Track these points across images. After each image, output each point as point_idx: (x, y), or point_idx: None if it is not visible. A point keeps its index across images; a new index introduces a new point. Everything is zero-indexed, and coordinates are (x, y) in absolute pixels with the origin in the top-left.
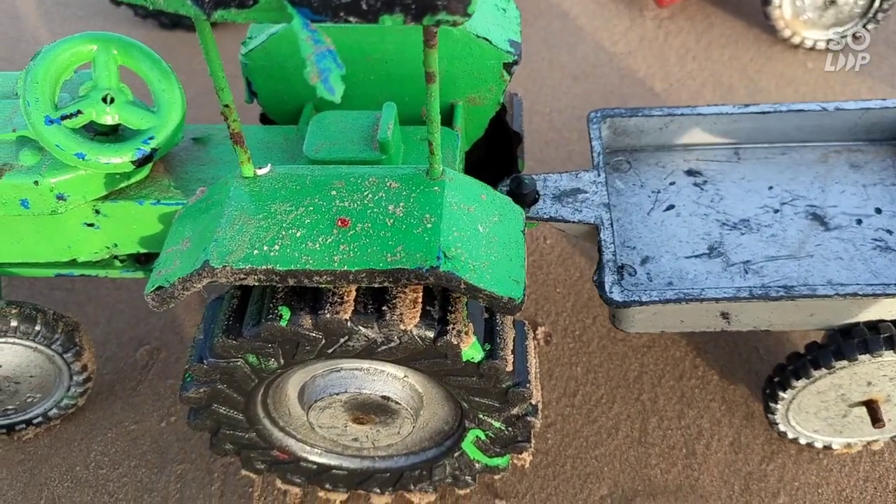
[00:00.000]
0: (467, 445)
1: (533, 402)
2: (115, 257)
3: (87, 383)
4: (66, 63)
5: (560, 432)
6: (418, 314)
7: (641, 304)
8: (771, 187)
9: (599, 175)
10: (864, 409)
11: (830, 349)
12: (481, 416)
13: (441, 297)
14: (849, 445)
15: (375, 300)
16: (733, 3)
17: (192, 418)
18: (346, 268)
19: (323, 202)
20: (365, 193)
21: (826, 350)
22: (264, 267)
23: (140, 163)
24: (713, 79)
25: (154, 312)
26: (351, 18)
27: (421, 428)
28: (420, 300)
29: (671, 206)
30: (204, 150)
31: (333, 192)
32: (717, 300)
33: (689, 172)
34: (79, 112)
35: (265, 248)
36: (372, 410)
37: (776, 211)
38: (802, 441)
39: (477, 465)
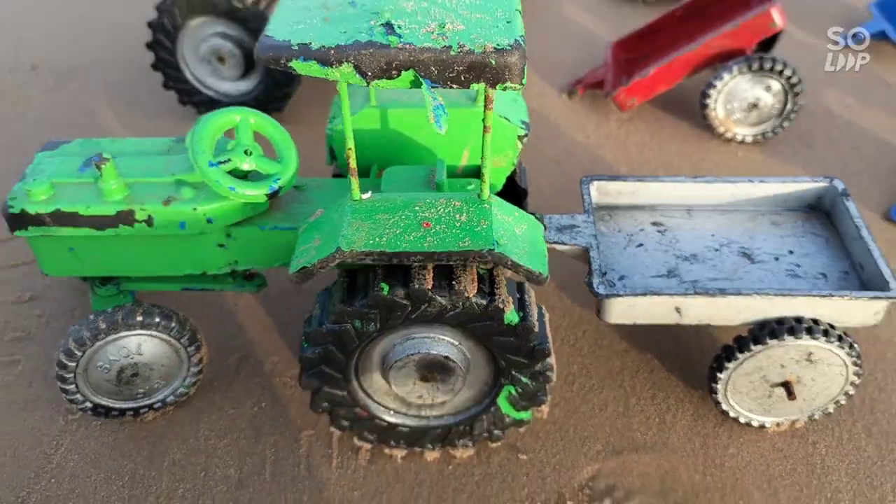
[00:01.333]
0: (501, 401)
1: (550, 361)
2: (230, 274)
3: (198, 375)
4: (219, 127)
5: (563, 409)
6: (476, 287)
7: (618, 296)
8: (713, 234)
9: (589, 217)
10: (782, 390)
11: (750, 337)
12: (514, 372)
13: (489, 278)
14: (778, 424)
15: (446, 278)
16: (679, 109)
17: (304, 376)
18: (432, 250)
19: (411, 213)
20: (438, 208)
21: (747, 338)
22: (378, 250)
23: (271, 196)
24: (665, 165)
25: (240, 329)
26: (454, 85)
27: (466, 389)
28: (476, 279)
29: (640, 244)
30: (303, 194)
31: (417, 208)
32: (671, 295)
33: (654, 223)
34: (228, 160)
35: (377, 239)
36: (435, 369)
37: (716, 250)
38: (742, 420)
39: (507, 419)
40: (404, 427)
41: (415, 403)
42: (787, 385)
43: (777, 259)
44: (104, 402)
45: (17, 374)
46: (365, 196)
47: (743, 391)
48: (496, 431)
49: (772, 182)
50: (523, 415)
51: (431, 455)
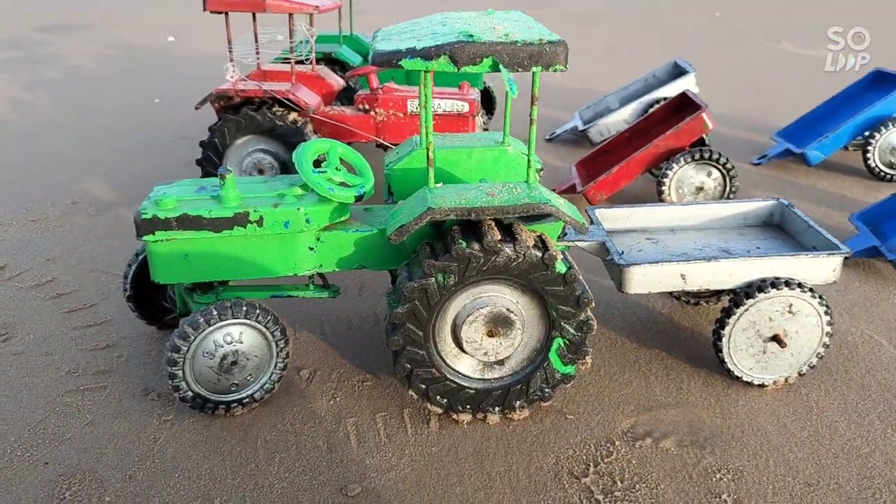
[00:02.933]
0: (552, 354)
1: (591, 310)
2: (311, 280)
3: (282, 371)
4: (316, 150)
5: (595, 386)
6: (533, 241)
7: (637, 264)
8: (696, 241)
9: (599, 226)
10: (775, 344)
11: (742, 294)
12: (563, 323)
13: (540, 237)
14: (775, 382)
15: (510, 234)
16: (639, 200)
17: (391, 334)
18: (502, 205)
19: (478, 191)
20: (499, 187)
21: (740, 295)
22: (460, 206)
23: (358, 199)
24: None
25: (306, 352)
26: (519, 69)
27: (522, 349)
28: (532, 236)
29: (640, 250)
30: (372, 214)
31: (482, 188)
32: (678, 262)
33: (647, 239)
34: (325, 171)
35: (458, 201)
36: (499, 324)
37: (700, 250)
38: (745, 378)
39: (557, 374)
40: (470, 389)
41: (479, 365)
42: (777, 338)
43: (749, 252)
44: (203, 392)
45: (106, 395)
46: (438, 186)
47: (742, 348)
48: (547, 390)
49: (734, 203)
50: (569, 368)
51: (493, 419)
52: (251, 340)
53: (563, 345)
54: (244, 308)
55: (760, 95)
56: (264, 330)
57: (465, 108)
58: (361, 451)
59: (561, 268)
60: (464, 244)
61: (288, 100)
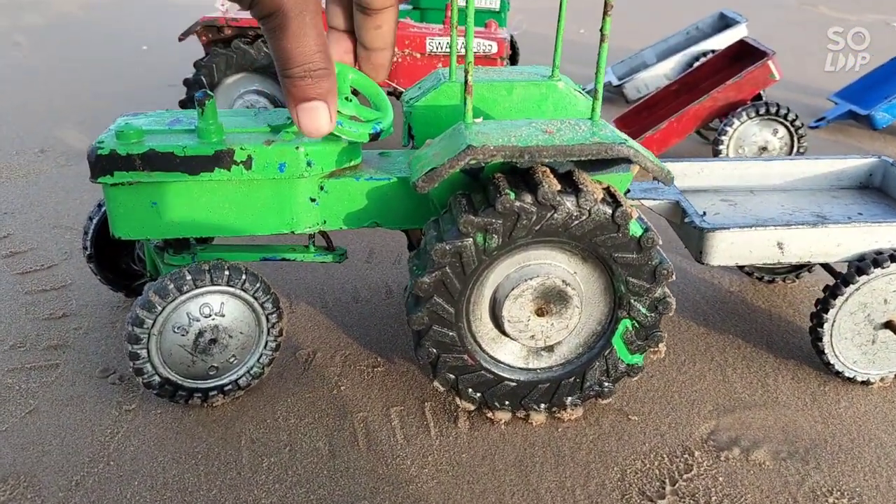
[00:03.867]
0: (616, 340)
1: (669, 281)
2: (312, 241)
3: (275, 351)
4: None
5: (661, 380)
6: (601, 193)
7: (726, 229)
8: (782, 205)
9: (671, 185)
10: (888, 332)
11: (853, 269)
12: (633, 300)
13: (608, 190)
14: (882, 379)
15: (571, 185)
16: None
17: (413, 310)
18: (563, 143)
19: (531, 127)
20: (557, 123)
21: (850, 271)
22: (510, 145)
23: (373, 137)
24: None
25: (305, 329)
26: None
27: (578, 332)
28: (599, 188)
29: (717, 213)
30: (387, 159)
31: (535, 125)
32: (775, 228)
33: (723, 200)
34: None
35: (506, 139)
36: (552, 300)
37: (790, 214)
38: (847, 374)
39: (620, 365)
40: (511, 381)
41: (523, 351)
42: (891, 325)
43: (850, 218)
44: (172, 377)
45: (57, 375)
46: (477, 121)
47: (847, 336)
48: (606, 384)
49: (826, 160)
50: (637, 358)
51: (538, 418)
52: (235, 313)
53: (630, 328)
54: (227, 272)
55: (806, 57)
56: (252, 300)
57: (493, 48)
58: (372, 458)
59: (636, 229)
60: (512, 195)
61: None
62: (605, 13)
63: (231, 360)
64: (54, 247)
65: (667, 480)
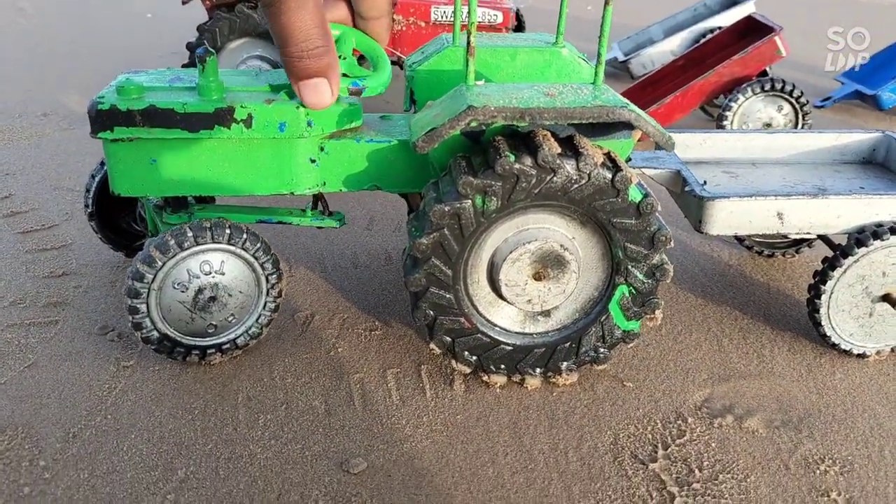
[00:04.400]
0: (613, 306)
1: (668, 248)
2: (310, 204)
3: (273, 312)
4: None
5: (657, 349)
6: (602, 158)
7: (726, 198)
8: (784, 178)
9: (672, 153)
10: (885, 306)
11: (852, 241)
12: (630, 266)
13: (608, 155)
14: (878, 352)
15: (571, 148)
16: None
17: (410, 271)
18: (565, 106)
19: (533, 90)
20: (559, 87)
21: (849, 242)
22: (511, 107)
23: (353, 92)
24: None
25: (303, 292)
26: None
27: (575, 297)
28: (599, 152)
29: (718, 184)
30: (388, 122)
31: (537, 88)
32: (775, 197)
33: (725, 172)
34: None
35: (507, 100)
36: (549, 264)
37: (792, 187)
38: (843, 346)
39: (617, 331)
40: (507, 345)
41: (519, 315)
42: (889, 298)
43: (851, 191)
44: (171, 333)
45: (56, 332)
46: (479, 83)
47: (845, 309)
48: (602, 350)
49: (829, 134)
50: (633, 324)
51: (533, 383)
52: (235, 272)
53: (627, 294)
54: (228, 231)
55: (814, 36)
56: (252, 260)
57: (499, 18)
58: (368, 416)
59: (635, 195)
60: (512, 157)
61: None
62: None
63: (230, 318)
64: (55, 207)
65: (659, 445)
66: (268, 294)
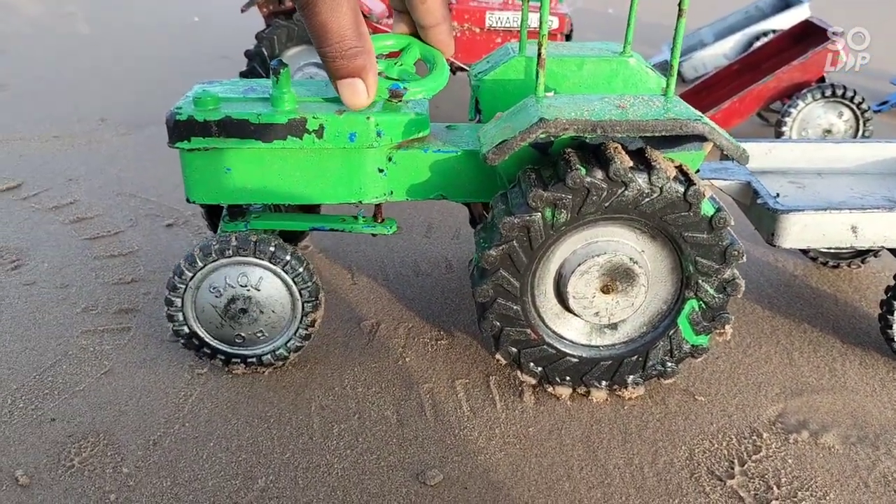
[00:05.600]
0: (682, 320)
1: (740, 262)
2: (362, 213)
3: (305, 340)
4: (384, 46)
5: (727, 362)
6: (674, 171)
7: (800, 211)
8: (852, 189)
9: (741, 167)
10: None
11: None
12: (700, 281)
13: (680, 168)
14: None
15: (643, 161)
16: None
17: (478, 282)
18: (637, 119)
19: (604, 102)
20: (631, 98)
21: None
22: (583, 119)
23: (393, 94)
24: None
25: (368, 301)
26: None
27: (643, 311)
28: (671, 165)
29: (785, 196)
30: (455, 132)
31: (608, 99)
32: (850, 211)
33: (791, 183)
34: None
35: (579, 112)
36: (618, 277)
37: (861, 198)
38: None
39: (684, 345)
40: (573, 357)
41: (586, 327)
42: None
43: None
44: (200, 332)
45: (130, 339)
46: (549, 94)
47: None
48: (669, 364)
49: (895, 143)
50: (702, 339)
51: (599, 395)
52: (271, 291)
53: (697, 308)
54: (272, 248)
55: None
56: (291, 283)
57: (554, 23)
58: (440, 428)
59: (708, 209)
60: (583, 171)
61: None
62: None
63: (258, 334)
64: (119, 213)
65: (735, 461)
66: (301, 321)
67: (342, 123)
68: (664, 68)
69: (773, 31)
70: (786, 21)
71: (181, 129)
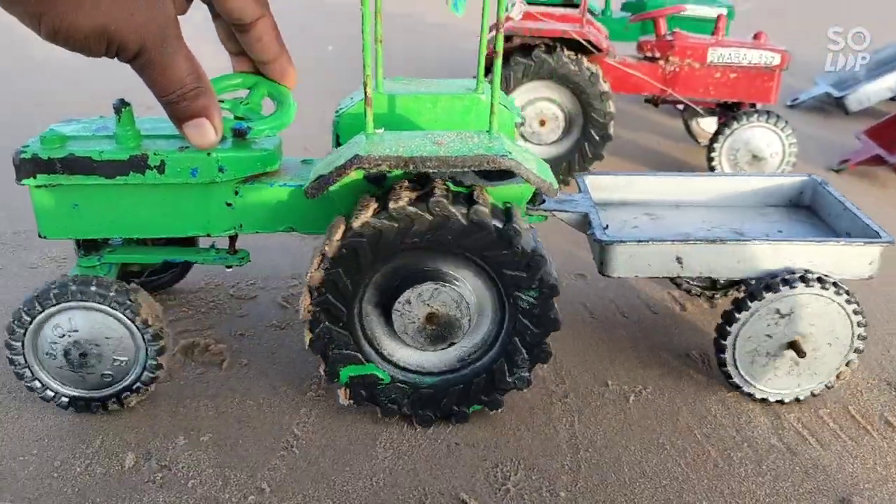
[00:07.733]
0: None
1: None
2: (213, 245)
3: (158, 341)
4: (230, 85)
5: None
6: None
7: (623, 242)
8: (703, 221)
9: (586, 195)
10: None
11: (761, 286)
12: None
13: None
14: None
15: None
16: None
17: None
18: (448, 155)
19: (425, 139)
20: (452, 136)
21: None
22: (395, 155)
23: (236, 133)
24: None
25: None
26: None
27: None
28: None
29: (635, 227)
30: (307, 166)
31: (430, 136)
32: (673, 242)
33: (646, 214)
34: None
35: (393, 150)
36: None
37: (708, 230)
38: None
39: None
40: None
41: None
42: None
43: (768, 236)
44: (78, 394)
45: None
46: (378, 131)
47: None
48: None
49: (756, 178)
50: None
51: None
52: (86, 323)
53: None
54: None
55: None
56: (95, 306)
57: (776, 60)
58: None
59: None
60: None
61: (588, 41)
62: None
63: (118, 363)
64: None
65: None
66: (136, 328)
67: (184, 160)
68: (826, 99)
69: None
70: None
71: (27, 167)
